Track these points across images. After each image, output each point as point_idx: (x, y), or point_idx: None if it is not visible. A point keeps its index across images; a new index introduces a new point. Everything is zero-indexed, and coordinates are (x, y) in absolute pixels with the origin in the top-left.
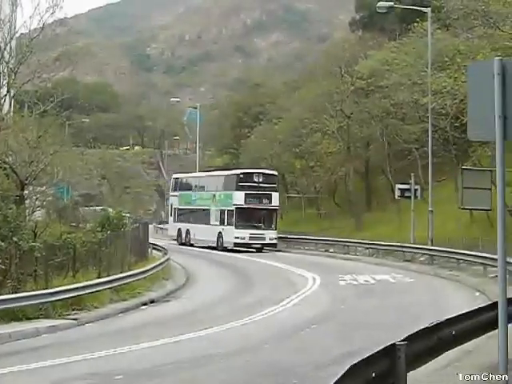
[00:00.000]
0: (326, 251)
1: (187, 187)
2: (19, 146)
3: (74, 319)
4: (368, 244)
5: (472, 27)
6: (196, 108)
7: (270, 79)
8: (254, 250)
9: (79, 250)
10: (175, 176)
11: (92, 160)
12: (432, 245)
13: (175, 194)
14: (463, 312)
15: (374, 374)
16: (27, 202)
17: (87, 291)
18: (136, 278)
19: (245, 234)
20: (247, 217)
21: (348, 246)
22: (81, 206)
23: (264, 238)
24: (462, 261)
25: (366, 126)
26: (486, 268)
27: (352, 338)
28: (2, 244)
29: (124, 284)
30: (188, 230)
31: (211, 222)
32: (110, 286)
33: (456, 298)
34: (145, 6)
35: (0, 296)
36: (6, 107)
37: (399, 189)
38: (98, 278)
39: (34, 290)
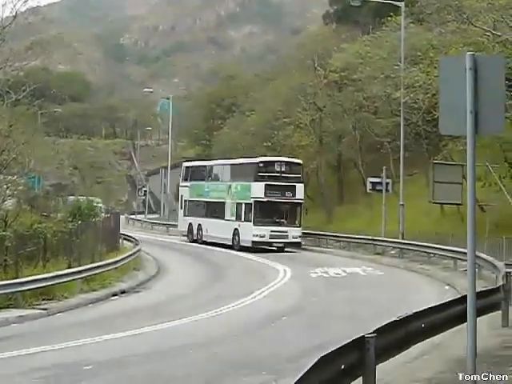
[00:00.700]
0: None
1: (199, 177)
2: None
3: (43, 309)
4: (339, 237)
5: (445, 22)
6: (169, 99)
7: (243, 71)
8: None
9: (50, 239)
10: (186, 164)
11: (64, 150)
12: (403, 238)
13: (186, 184)
14: (432, 305)
15: (343, 366)
16: None
17: (57, 281)
18: (107, 269)
19: (264, 232)
20: (267, 212)
21: (319, 238)
22: (65, 195)
23: (286, 236)
24: (432, 254)
25: (339, 119)
26: (456, 262)
27: (322, 331)
28: None
29: (94, 274)
30: (200, 225)
31: (226, 217)
32: (80, 276)
33: (426, 292)
34: None
35: None
36: None
37: (371, 182)
38: (69, 268)
39: (3, 280)
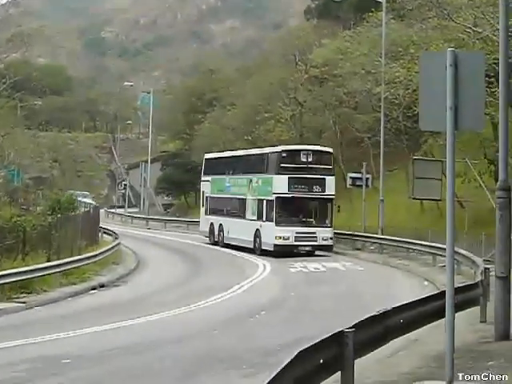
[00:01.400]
0: None
1: (220, 170)
2: None
3: (22, 302)
4: None
5: (426, 18)
6: (149, 93)
7: (224, 65)
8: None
9: (29, 233)
10: (207, 156)
11: (44, 143)
12: (382, 234)
13: (207, 178)
14: (411, 300)
15: (321, 361)
16: None
17: (36, 274)
18: (86, 262)
19: (288, 233)
20: (292, 209)
21: None
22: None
23: (315, 239)
24: (411, 250)
25: (319, 114)
26: (435, 257)
27: (301, 325)
28: None
29: (74, 268)
30: (221, 225)
31: (247, 216)
32: (59, 269)
33: (405, 287)
34: None
35: None
36: None
37: (351, 177)
38: (48, 261)
39: None
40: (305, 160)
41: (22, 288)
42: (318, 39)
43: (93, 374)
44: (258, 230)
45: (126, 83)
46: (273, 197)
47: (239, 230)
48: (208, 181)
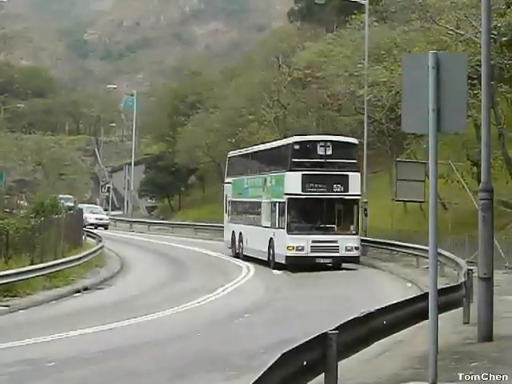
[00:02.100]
0: None
1: (241, 170)
2: None
3: (6, 306)
4: None
5: (409, 20)
6: (133, 95)
7: (208, 68)
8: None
9: (12, 236)
10: (230, 154)
11: (27, 146)
12: (366, 236)
13: (229, 180)
14: (394, 302)
15: (305, 363)
16: None
17: (20, 278)
18: (70, 265)
19: (303, 242)
20: (307, 214)
21: None
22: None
23: (337, 249)
24: (395, 252)
25: (303, 116)
26: (418, 259)
27: (285, 327)
28: None
29: (57, 271)
30: (241, 234)
31: (262, 223)
32: (43, 272)
33: (388, 289)
34: None
35: None
36: None
37: None
38: (31, 264)
39: None
40: (323, 153)
41: (6, 291)
42: (302, 41)
43: (77, 377)
44: (271, 239)
45: (109, 86)
46: (284, 198)
47: (256, 239)
48: (230, 183)
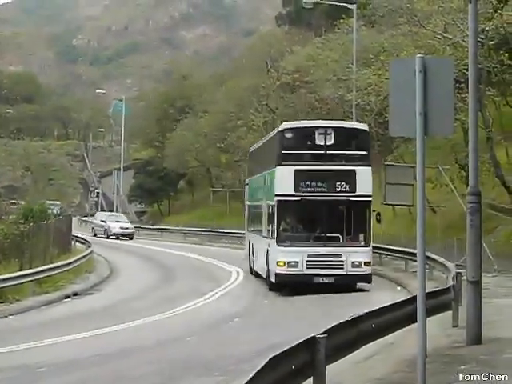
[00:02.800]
0: None
1: (254, 168)
2: None
3: None
4: None
5: (397, 24)
6: (122, 100)
7: (197, 72)
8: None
9: (1, 241)
10: (251, 149)
11: (16, 151)
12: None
13: (247, 181)
14: (383, 306)
15: (294, 366)
16: None
17: (9, 283)
18: (59, 271)
19: (297, 257)
20: (302, 220)
21: None
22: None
23: (341, 265)
24: (384, 255)
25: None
26: (407, 263)
27: (274, 331)
28: None
29: (47, 276)
30: (252, 245)
31: (263, 233)
32: (32, 278)
33: (378, 292)
34: None
35: None
36: None
37: None
38: (20, 270)
39: None
40: (321, 143)
41: None
42: (290, 46)
43: (68, 382)
44: (267, 251)
45: (98, 91)
46: (274, 201)
47: (259, 252)
48: (247, 184)
